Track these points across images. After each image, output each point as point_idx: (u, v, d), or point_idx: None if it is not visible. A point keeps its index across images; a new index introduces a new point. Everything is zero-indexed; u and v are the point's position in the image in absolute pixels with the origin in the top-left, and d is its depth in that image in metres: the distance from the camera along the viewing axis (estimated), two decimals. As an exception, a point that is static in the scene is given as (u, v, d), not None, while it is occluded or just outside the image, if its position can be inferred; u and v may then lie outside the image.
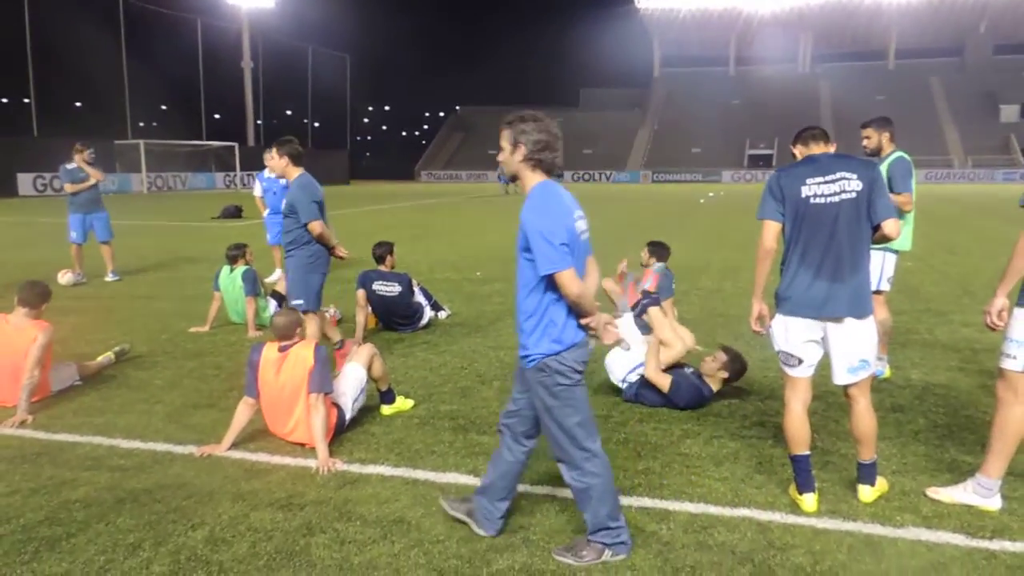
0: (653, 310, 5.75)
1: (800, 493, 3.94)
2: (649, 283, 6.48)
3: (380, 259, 7.86)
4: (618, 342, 3.58)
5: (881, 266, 6.07)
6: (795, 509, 3.90)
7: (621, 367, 5.60)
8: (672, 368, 5.52)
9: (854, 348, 3.80)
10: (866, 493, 3.97)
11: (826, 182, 3.73)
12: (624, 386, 5.58)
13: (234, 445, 4.70)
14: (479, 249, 15.33)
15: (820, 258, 3.74)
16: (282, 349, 4.67)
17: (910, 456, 4.60)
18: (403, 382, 6.11)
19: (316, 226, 5.93)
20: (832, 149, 3.94)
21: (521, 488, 3.93)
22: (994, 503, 3.88)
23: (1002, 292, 3.80)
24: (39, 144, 37.10)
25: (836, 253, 3.72)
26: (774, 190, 3.84)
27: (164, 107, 60.09)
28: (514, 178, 3.31)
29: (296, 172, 6.09)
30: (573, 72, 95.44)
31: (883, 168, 6.04)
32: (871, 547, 3.53)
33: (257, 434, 4.90)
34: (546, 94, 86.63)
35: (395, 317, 7.75)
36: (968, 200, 34.06)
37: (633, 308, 6.16)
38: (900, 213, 6.03)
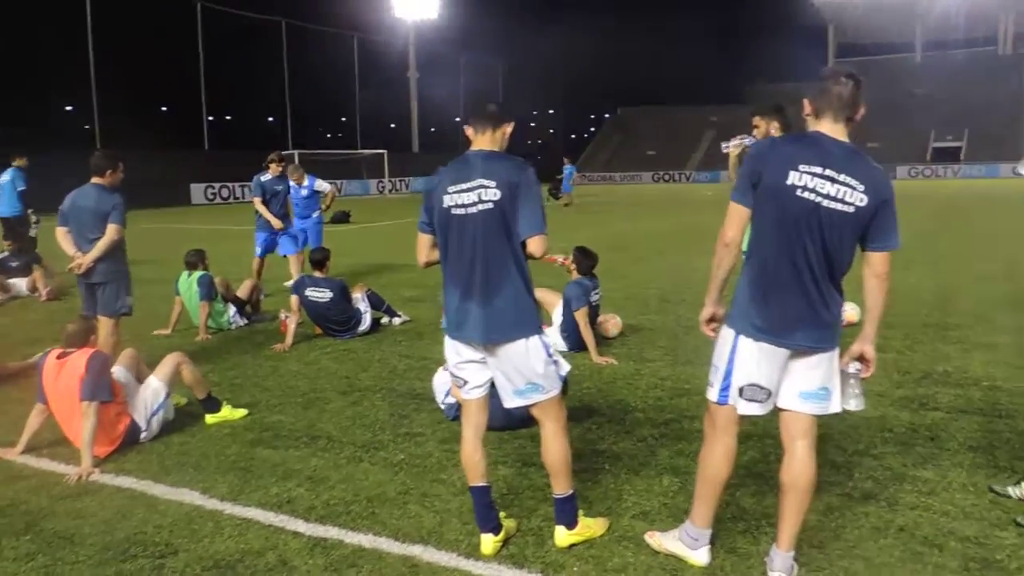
0: None
1: (482, 532, 3.50)
2: None
3: (318, 264, 7.89)
4: None
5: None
6: (476, 550, 3.47)
7: (442, 388, 5.24)
8: None
9: (516, 371, 3.33)
10: (561, 535, 3.47)
11: (466, 190, 3.26)
12: (444, 408, 5.21)
13: (33, 449, 4.84)
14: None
15: (466, 277, 3.31)
16: (61, 356, 4.76)
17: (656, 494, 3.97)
18: (271, 390, 6.08)
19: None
20: (507, 130, 3.37)
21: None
22: (700, 556, 3.26)
23: (709, 301, 3.22)
24: (209, 156, 41.75)
25: (481, 271, 3.27)
26: (425, 199, 3.45)
27: (325, 120, 64.19)
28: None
29: None
30: (739, 68, 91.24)
31: None
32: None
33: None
34: (710, 92, 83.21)
35: (328, 323, 7.74)
36: None
37: None
38: None
